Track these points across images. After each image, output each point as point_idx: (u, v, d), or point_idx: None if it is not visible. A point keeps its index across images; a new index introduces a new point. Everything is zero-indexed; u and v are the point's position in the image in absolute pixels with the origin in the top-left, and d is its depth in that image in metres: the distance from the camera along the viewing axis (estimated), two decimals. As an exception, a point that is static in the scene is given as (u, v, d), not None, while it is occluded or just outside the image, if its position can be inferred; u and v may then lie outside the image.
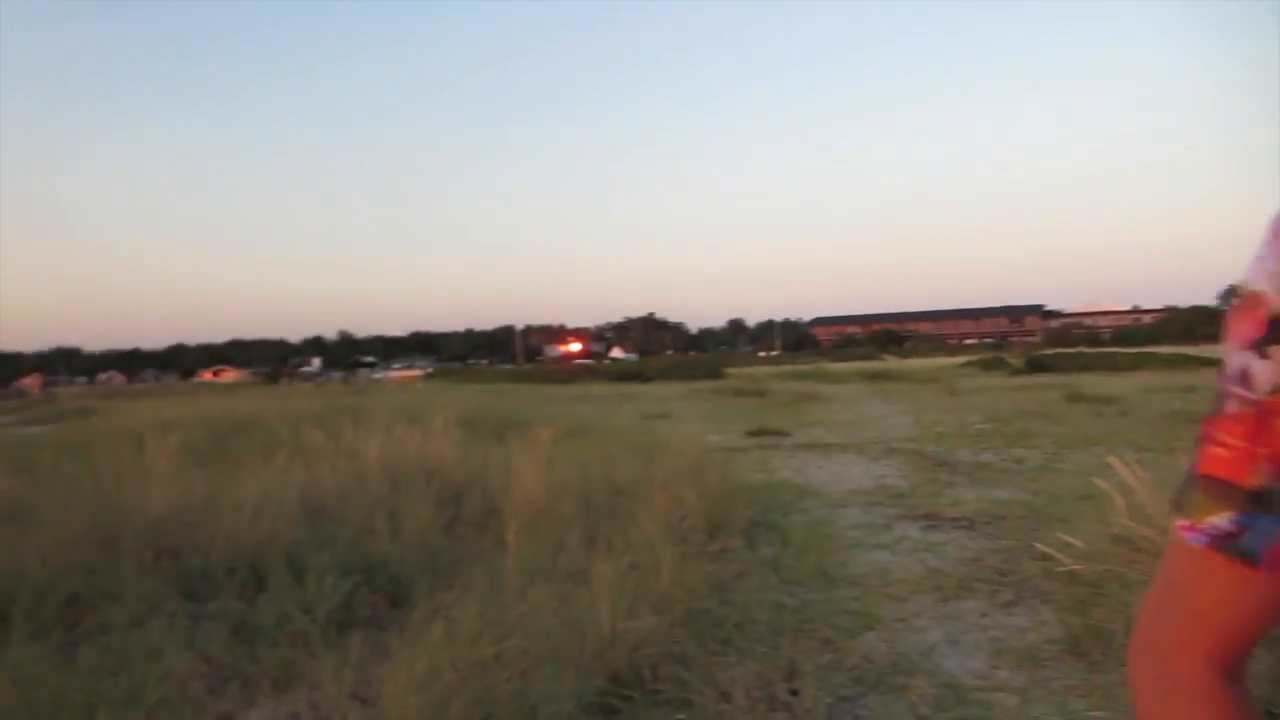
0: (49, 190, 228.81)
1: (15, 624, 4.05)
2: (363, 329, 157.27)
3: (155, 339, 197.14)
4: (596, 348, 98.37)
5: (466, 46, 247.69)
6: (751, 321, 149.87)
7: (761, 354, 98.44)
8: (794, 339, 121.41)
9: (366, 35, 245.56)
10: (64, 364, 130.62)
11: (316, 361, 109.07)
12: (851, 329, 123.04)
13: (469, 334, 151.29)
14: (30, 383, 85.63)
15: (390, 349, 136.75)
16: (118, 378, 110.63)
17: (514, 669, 3.01)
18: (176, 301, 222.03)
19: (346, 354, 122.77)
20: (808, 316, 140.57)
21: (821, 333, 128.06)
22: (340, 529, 5.30)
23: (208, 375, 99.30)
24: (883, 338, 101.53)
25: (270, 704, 3.35)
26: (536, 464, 6.42)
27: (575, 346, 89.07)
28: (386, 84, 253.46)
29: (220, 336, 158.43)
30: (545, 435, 6.86)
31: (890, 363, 51.22)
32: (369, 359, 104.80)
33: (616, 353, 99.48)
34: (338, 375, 76.75)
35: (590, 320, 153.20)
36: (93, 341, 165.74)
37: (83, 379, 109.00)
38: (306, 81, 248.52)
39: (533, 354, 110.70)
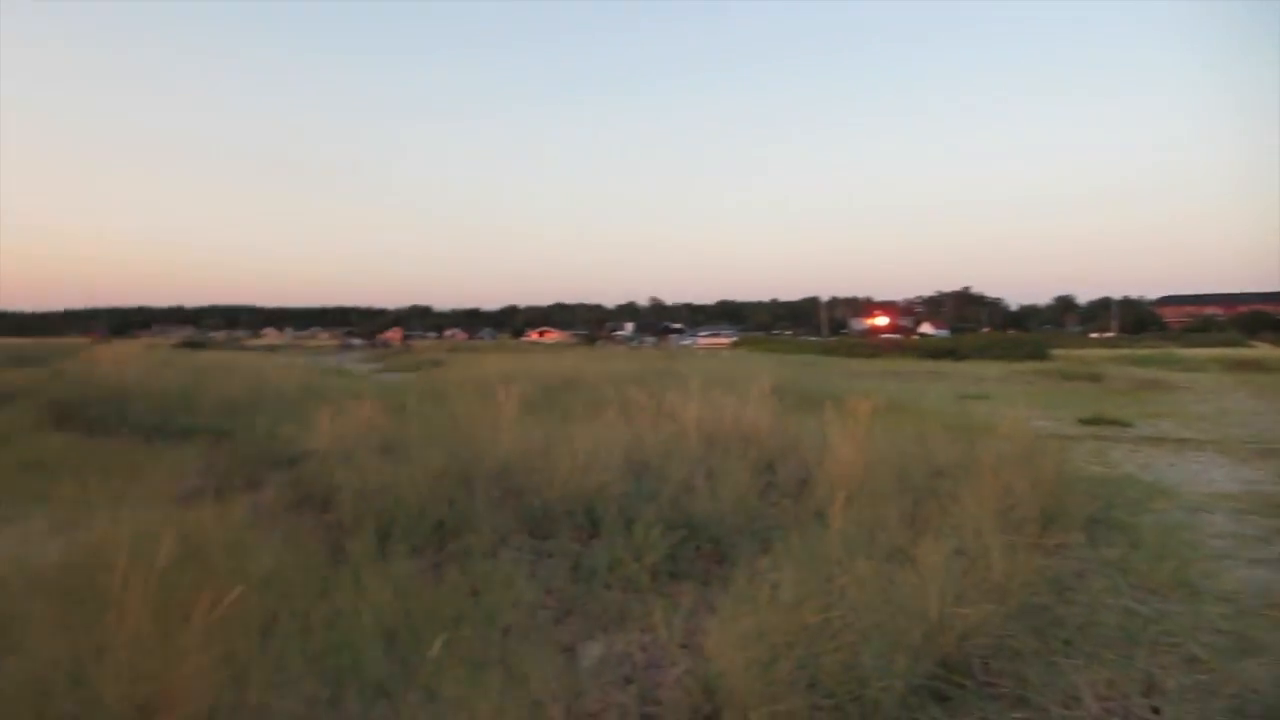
0: (410, 171, 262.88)
1: (395, 542, 4.73)
2: (672, 296, 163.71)
3: (492, 301, 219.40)
4: (904, 322, 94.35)
5: (793, 27, 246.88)
6: (1083, 299, 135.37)
7: (1094, 335, 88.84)
8: (1134, 319, 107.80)
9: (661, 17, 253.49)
10: (418, 320, 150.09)
11: (629, 326, 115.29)
12: (1209, 310, 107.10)
13: (774, 304, 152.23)
14: (392, 336, 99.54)
15: (697, 316, 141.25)
16: (460, 334, 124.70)
17: (839, 640, 2.97)
18: (511, 268, 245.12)
19: (657, 320, 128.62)
20: (1153, 294, 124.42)
21: (1170, 313, 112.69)
22: (662, 485, 5.56)
23: (534, 335, 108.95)
24: (1250, 321, 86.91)
25: (606, 640, 3.60)
26: (852, 437, 6.28)
27: (882, 320, 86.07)
28: (700, 58, 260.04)
29: (546, 300, 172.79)
30: (863, 408, 6.67)
31: (1261, 350, 43.91)
32: (677, 325, 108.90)
33: (926, 328, 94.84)
34: (649, 340, 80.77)
35: (898, 294, 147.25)
36: (441, 301, 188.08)
37: (432, 334, 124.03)
38: (627, 63, 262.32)
39: (837, 326, 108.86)
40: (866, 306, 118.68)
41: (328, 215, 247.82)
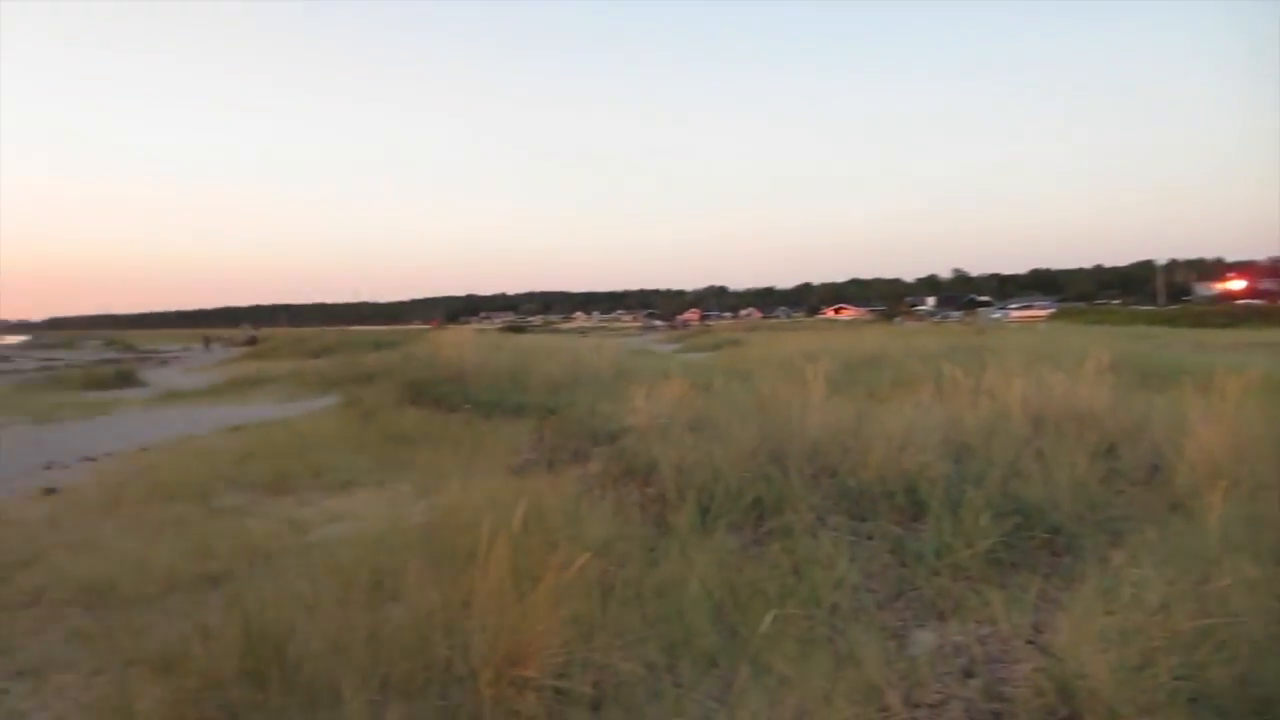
0: (704, 156, 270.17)
1: (714, 517, 4.84)
2: (977, 267, 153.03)
3: (786, 279, 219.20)
4: (1269, 285, 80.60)
5: None
6: None
7: None
8: None
9: None
10: (714, 300, 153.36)
11: (930, 300, 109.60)
12: None
13: (1097, 271, 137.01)
14: (690, 316, 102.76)
15: (1005, 287, 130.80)
16: (755, 313, 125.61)
17: (1229, 651, 2.58)
18: (805, 245, 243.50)
19: (960, 292, 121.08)
20: None
21: None
22: (987, 468, 5.18)
23: (830, 312, 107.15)
24: None
25: (939, 629, 3.43)
26: (1217, 418, 5.47)
27: (1237, 284, 74.22)
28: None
29: (841, 276, 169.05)
30: (1231, 385, 5.78)
31: None
32: (984, 298, 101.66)
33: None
34: (954, 314, 76.11)
35: (1259, 252, 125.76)
36: (736, 281, 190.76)
37: (728, 314, 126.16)
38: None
39: (1178, 293, 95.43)
40: (1216, 268, 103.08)
41: (629, 203, 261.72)
